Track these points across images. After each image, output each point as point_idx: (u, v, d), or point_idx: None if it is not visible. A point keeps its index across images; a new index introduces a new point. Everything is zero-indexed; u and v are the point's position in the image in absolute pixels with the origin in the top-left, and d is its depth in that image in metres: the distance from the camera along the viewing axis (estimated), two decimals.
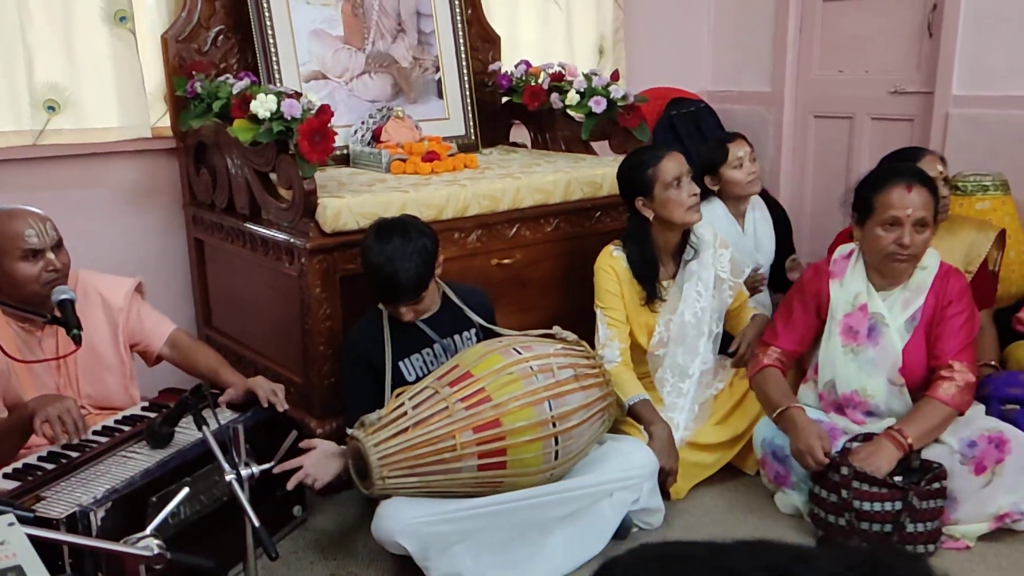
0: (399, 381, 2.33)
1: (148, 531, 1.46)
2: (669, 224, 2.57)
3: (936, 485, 2.19)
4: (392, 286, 2.25)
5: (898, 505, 2.17)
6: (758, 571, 0.62)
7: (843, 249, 2.45)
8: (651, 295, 2.60)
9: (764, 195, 3.33)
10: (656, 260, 2.61)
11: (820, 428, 2.28)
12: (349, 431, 2.36)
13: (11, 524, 1.03)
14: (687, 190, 2.53)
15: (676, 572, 0.64)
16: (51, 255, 2.12)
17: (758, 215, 3.23)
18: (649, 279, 2.59)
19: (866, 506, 2.18)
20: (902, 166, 2.36)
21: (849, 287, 2.37)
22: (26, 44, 2.74)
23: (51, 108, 2.82)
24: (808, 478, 2.31)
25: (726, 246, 2.73)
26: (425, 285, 2.29)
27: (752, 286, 3.02)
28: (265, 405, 2.25)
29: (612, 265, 2.61)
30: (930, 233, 2.27)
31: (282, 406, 2.26)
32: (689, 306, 2.61)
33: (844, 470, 2.20)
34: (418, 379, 2.34)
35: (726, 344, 2.78)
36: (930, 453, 2.25)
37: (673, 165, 2.54)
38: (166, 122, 3.05)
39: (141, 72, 2.91)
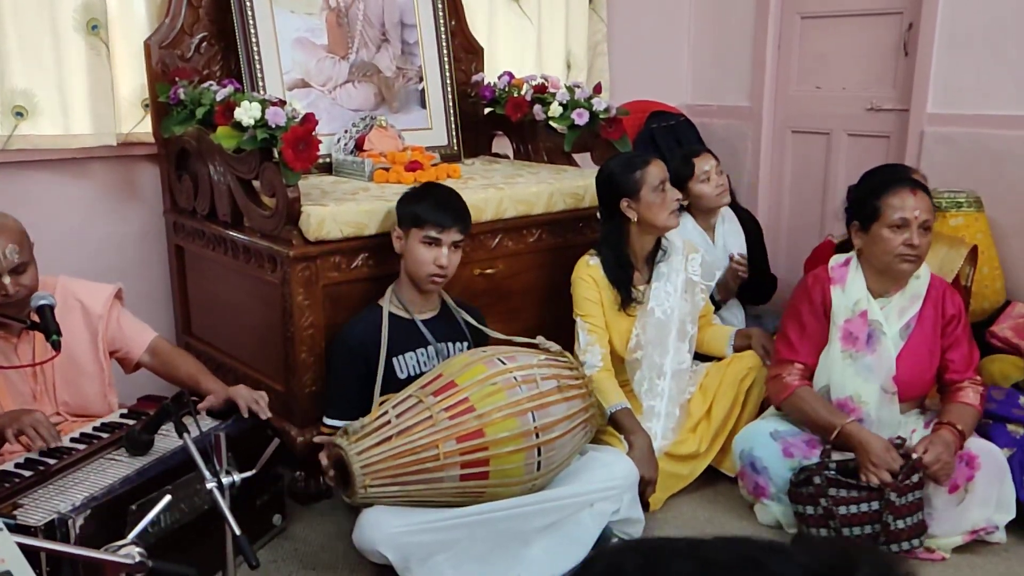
0: (390, 376, 2.35)
1: (129, 539, 1.45)
2: (651, 227, 2.63)
3: (915, 478, 2.22)
4: (450, 204, 2.42)
5: (877, 504, 2.20)
6: (734, 562, 0.65)
7: (838, 258, 2.48)
8: (626, 299, 2.64)
9: (735, 206, 3.37)
10: (631, 263, 2.67)
11: (885, 440, 2.28)
12: (327, 420, 2.36)
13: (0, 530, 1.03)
14: (670, 195, 2.62)
15: (656, 562, 0.67)
16: (6, 279, 2.06)
17: (728, 227, 3.26)
18: (624, 283, 2.64)
19: (852, 509, 2.21)
20: (899, 172, 2.40)
21: (850, 294, 2.41)
22: None
23: (19, 114, 2.79)
24: (788, 497, 2.33)
25: (696, 250, 2.80)
26: (468, 229, 2.47)
27: (735, 277, 3.08)
28: (246, 415, 2.24)
29: (590, 274, 2.65)
30: (931, 237, 2.33)
31: (264, 414, 2.25)
32: (659, 304, 2.66)
33: (817, 479, 2.24)
34: (409, 378, 2.36)
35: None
36: None
37: (659, 170, 2.63)
38: (143, 128, 3.03)
39: (111, 80, 2.89)
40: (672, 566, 0.66)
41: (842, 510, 2.22)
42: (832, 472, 2.25)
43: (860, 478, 2.23)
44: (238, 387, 2.31)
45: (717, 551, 0.66)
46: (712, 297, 3.09)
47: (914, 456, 2.22)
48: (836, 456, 2.29)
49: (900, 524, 2.21)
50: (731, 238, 3.23)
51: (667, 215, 2.61)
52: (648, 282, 2.71)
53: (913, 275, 2.38)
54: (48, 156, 2.87)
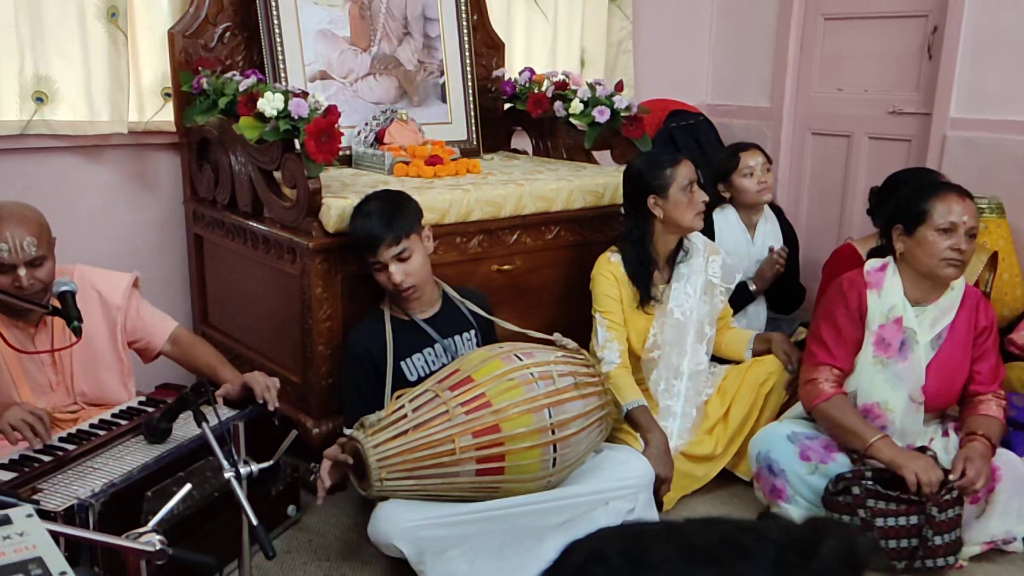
0: (400, 381, 2.34)
1: (150, 526, 1.45)
2: (675, 226, 2.62)
3: (954, 493, 2.19)
4: (369, 224, 2.30)
5: (917, 519, 2.17)
6: (712, 543, 0.68)
7: (874, 262, 2.44)
8: (645, 296, 2.63)
9: (778, 211, 3.36)
10: (653, 261, 2.65)
11: (919, 457, 2.24)
12: (347, 431, 2.36)
13: (30, 516, 1.03)
14: (698, 196, 2.61)
15: (637, 546, 0.69)
16: (21, 271, 2.04)
17: (769, 228, 3.27)
18: (644, 280, 2.63)
19: (891, 522, 2.19)
20: (933, 176, 2.37)
21: (886, 299, 2.37)
22: (20, 36, 2.73)
23: (39, 99, 2.81)
24: (822, 505, 2.30)
25: (717, 252, 2.78)
26: (405, 230, 2.31)
27: (772, 267, 3.09)
28: (261, 400, 2.24)
29: (611, 271, 2.64)
30: (974, 246, 2.33)
31: (273, 404, 2.23)
32: (678, 305, 2.65)
33: (856, 490, 2.21)
34: (419, 379, 2.35)
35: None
36: None
37: (689, 170, 2.62)
38: (162, 116, 3.04)
39: (127, 68, 2.90)
40: (653, 550, 0.68)
41: (880, 522, 2.19)
42: (871, 483, 2.22)
43: (900, 490, 2.19)
44: (254, 373, 2.31)
45: (696, 534, 0.69)
46: (747, 287, 3.08)
47: (952, 478, 2.18)
48: (873, 463, 2.26)
49: (938, 540, 2.17)
50: (771, 239, 3.25)
51: (693, 216, 2.60)
52: (668, 282, 2.69)
53: (949, 286, 2.36)
54: (67, 143, 2.89)
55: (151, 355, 2.40)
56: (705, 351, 2.71)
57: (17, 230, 2.05)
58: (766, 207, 3.25)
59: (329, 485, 2.16)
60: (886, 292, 2.38)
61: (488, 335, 2.52)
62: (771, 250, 3.16)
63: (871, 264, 2.44)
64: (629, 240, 2.65)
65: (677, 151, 4.04)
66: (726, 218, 3.17)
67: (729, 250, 3.10)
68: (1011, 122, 3.39)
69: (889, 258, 2.41)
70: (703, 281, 2.70)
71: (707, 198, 2.63)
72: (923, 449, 2.30)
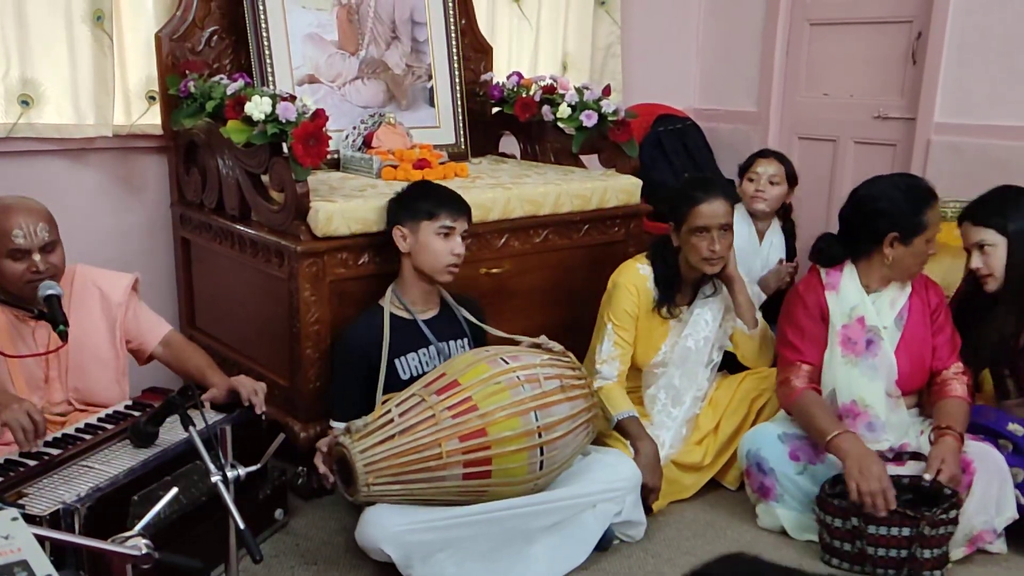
0: (393, 377, 2.35)
1: (136, 530, 1.45)
2: (686, 263, 2.60)
3: (953, 513, 2.20)
4: (458, 195, 2.46)
5: (909, 531, 2.18)
6: None
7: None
8: (668, 308, 2.61)
9: (788, 231, 3.35)
10: (679, 279, 2.62)
11: (878, 459, 2.23)
12: (333, 424, 2.37)
13: (15, 519, 1.03)
14: (708, 242, 2.49)
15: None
16: (36, 256, 2.09)
17: (775, 241, 3.29)
18: (668, 297, 2.61)
19: (883, 531, 2.19)
20: (926, 188, 2.39)
21: (845, 299, 2.41)
22: (5, 39, 2.72)
23: (25, 102, 2.80)
24: (816, 505, 2.31)
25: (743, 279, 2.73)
26: None
27: (778, 278, 3.10)
28: (246, 404, 2.24)
29: (636, 284, 2.61)
30: None
31: (260, 408, 2.24)
32: (694, 332, 2.63)
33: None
34: (412, 379, 2.36)
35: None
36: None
37: (708, 214, 2.49)
38: (146, 120, 3.03)
39: (112, 71, 2.89)
40: None
41: (871, 529, 2.19)
42: None
43: (896, 501, 2.20)
44: (240, 376, 2.32)
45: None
46: None
47: (927, 477, 2.20)
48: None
49: (927, 554, 2.18)
50: (775, 253, 3.27)
51: (698, 259, 2.53)
52: (688, 304, 2.67)
53: None
54: (53, 146, 2.87)
55: (144, 357, 2.41)
56: (708, 377, 2.70)
57: (29, 217, 2.10)
58: (774, 222, 3.28)
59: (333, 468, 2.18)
60: (843, 291, 2.42)
61: (480, 343, 2.52)
62: (780, 261, 3.18)
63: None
64: (658, 251, 2.62)
65: (665, 156, 4.08)
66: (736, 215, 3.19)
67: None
68: (995, 127, 3.42)
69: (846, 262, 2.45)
70: (722, 307, 2.67)
71: (725, 244, 2.51)
72: (918, 456, 2.30)
